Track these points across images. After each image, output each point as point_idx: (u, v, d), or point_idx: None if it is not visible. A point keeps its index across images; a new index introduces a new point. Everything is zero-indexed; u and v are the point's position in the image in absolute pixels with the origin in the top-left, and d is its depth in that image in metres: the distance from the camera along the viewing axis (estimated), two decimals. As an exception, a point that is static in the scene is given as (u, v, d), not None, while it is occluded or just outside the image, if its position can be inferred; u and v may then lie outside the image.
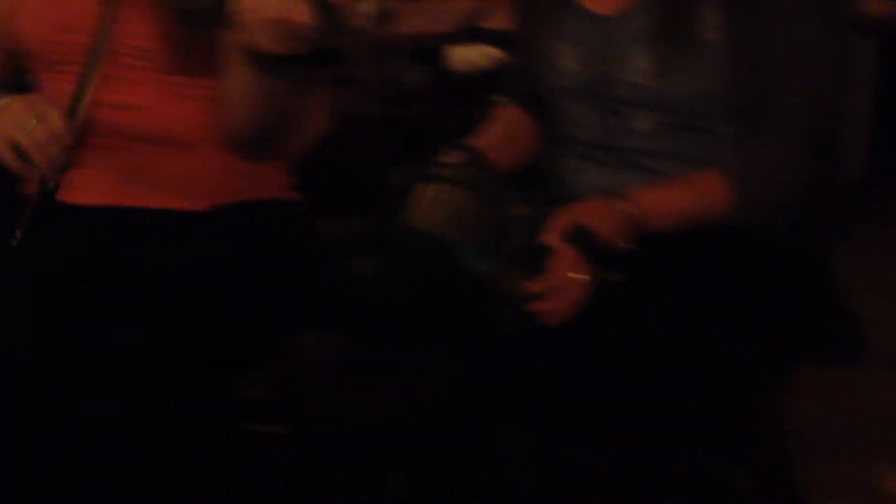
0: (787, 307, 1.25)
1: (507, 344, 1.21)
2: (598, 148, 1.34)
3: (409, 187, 1.30)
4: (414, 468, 1.29)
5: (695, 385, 1.17)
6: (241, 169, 1.38)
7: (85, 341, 1.21)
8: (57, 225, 1.34)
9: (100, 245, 1.33)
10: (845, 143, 1.35)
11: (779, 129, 1.23)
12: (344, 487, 1.56)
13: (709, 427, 1.21)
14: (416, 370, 1.30)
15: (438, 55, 2.05)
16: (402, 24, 2.01)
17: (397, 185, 1.32)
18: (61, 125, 1.26)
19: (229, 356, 1.31)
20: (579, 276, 1.18)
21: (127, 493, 1.16)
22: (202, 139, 1.36)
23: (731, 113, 1.25)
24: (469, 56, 2.04)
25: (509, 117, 1.47)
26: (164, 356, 1.20)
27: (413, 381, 1.32)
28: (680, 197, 1.25)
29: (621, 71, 1.28)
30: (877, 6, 2.19)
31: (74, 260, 1.31)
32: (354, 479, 1.55)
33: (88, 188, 1.36)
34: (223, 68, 1.29)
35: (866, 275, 1.67)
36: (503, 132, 1.44)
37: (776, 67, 1.22)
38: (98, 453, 1.14)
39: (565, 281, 1.18)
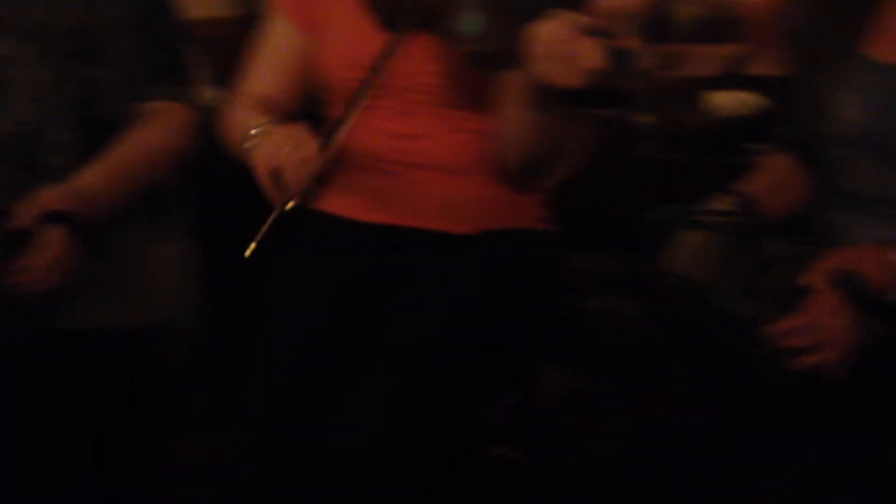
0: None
1: (767, 392, 1.19)
2: (875, 201, 1.29)
3: (670, 230, 1.30)
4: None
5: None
6: (505, 197, 1.45)
7: (353, 350, 1.31)
8: (333, 237, 1.45)
9: (369, 257, 1.43)
10: None
11: None
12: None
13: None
14: (666, 412, 1.29)
15: (699, 100, 2.03)
16: (674, 67, 2.01)
17: (658, 227, 1.32)
18: (313, 151, 1.33)
19: (486, 378, 1.35)
20: (839, 320, 1.13)
21: None
22: (471, 168, 1.44)
23: None
24: (729, 102, 2.02)
25: (780, 165, 1.43)
26: (433, 371, 1.28)
27: (658, 424, 1.32)
28: None
29: None
30: None
31: (346, 269, 1.42)
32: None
33: (363, 206, 1.46)
34: (500, 103, 1.36)
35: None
36: (773, 180, 1.41)
37: None
38: (367, 461, 1.23)
39: (822, 324, 1.13)
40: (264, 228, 1.32)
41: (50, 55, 1.38)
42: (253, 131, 1.36)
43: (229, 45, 1.81)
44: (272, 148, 1.33)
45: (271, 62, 1.49)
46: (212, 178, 1.65)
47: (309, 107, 1.53)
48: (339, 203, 1.48)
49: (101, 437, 1.37)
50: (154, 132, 1.47)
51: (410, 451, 1.25)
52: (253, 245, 1.32)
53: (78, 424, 1.35)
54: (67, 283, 1.32)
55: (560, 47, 1.12)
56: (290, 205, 1.32)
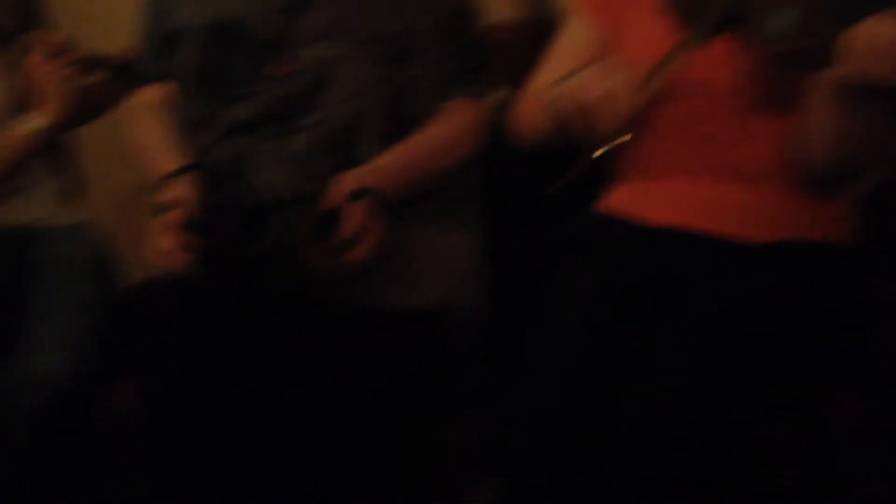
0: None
1: None
2: None
3: None
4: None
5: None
6: (805, 207, 1.38)
7: (632, 353, 1.30)
8: (621, 237, 1.44)
9: (656, 260, 1.41)
10: None
11: None
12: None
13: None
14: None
15: None
16: None
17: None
18: (631, 88, 1.27)
19: (768, 395, 1.30)
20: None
21: None
22: (770, 174, 1.38)
23: None
24: None
25: None
26: (711, 383, 1.24)
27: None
28: None
29: None
30: None
31: (632, 270, 1.40)
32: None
33: (652, 208, 1.44)
34: (806, 105, 1.30)
35: None
36: None
37: None
38: (642, 472, 1.22)
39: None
40: (573, 170, 1.29)
41: (370, 58, 1.50)
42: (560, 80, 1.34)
43: (519, 48, 1.88)
44: (585, 82, 1.29)
45: (566, 60, 1.50)
46: (499, 173, 1.71)
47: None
48: (628, 204, 1.47)
49: (388, 411, 1.43)
50: (450, 127, 1.56)
51: (683, 465, 1.22)
52: (560, 183, 1.29)
53: (370, 398, 1.42)
54: (376, 259, 1.41)
55: (883, 40, 1.06)
56: (600, 150, 1.28)
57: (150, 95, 1.63)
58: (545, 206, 1.71)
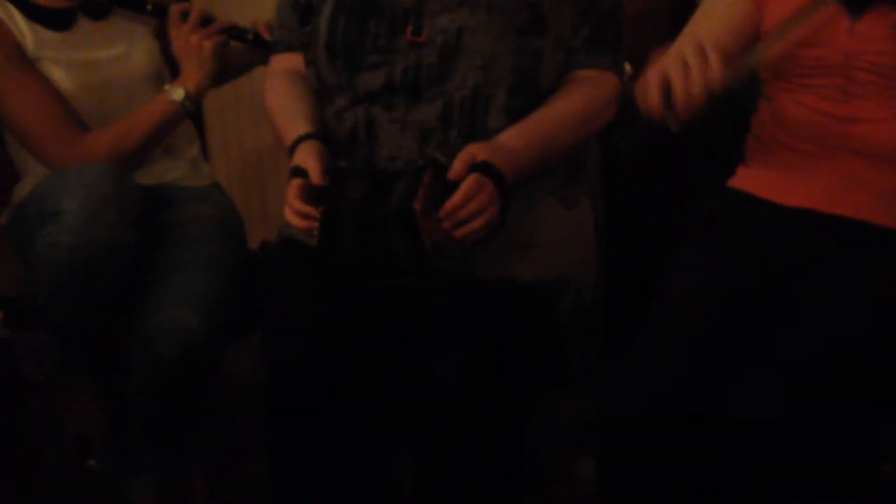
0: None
1: None
2: None
3: None
4: None
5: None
6: None
7: (754, 332, 1.29)
8: (748, 215, 1.43)
9: (784, 241, 1.39)
10: None
11: None
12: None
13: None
14: None
15: None
16: None
17: None
18: (715, 68, 1.24)
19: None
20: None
21: None
22: None
23: None
24: None
25: None
26: (836, 370, 1.23)
27: None
28: None
29: None
30: None
31: (757, 250, 1.39)
32: None
33: (784, 188, 1.43)
34: None
35: None
36: None
37: None
38: (757, 455, 1.21)
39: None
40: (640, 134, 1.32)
41: (499, 28, 1.48)
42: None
43: (647, 19, 1.84)
44: (671, 57, 1.27)
45: (709, 27, 1.47)
46: (617, 146, 1.69)
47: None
48: (758, 182, 1.46)
49: (497, 381, 1.42)
50: (578, 100, 1.52)
51: (802, 448, 1.20)
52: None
53: (480, 368, 1.41)
54: (494, 234, 1.41)
55: None
56: (675, 124, 1.25)
57: (287, 63, 1.66)
58: (667, 184, 1.72)
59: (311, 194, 1.45)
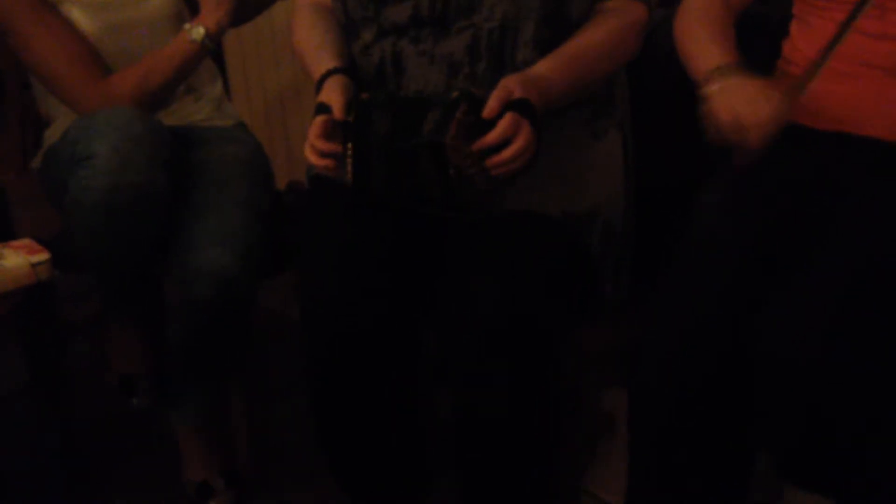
0: None
1: None
2: None
3: None
4: None
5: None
6: None
7: (790, 255, 1.29)
8: (791, 148, 1.40)
9: (816, 166, 1.39)
10: None
11: None
12: None
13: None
14: None
15: None
16: None
17: None
18: (782, 110, 1.30)
19: None
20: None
21: None
22: None
23: None
24: None
25: None
26: (870, 293, 1.22)
27: None
28: None
29: None
30: None
31: (790, 176, 1.39)
32: None
33: (823, 113, 1.42)
34: None
35: None
36: None
37: None
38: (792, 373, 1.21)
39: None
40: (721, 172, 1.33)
41: None
42: (710, 75, 1.36)
43: None
44: (737, 98, 1.32)
45: None
46: (648, 78, 1.67)
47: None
48: (794, 107, 1.42)
49: (530, 312, 1.43)
50: (608, 30, 1.51)
51: (837, 376, 1.20)
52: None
53: (512, 299, 1.41)
54: (529, 168, 1.40)
55: None
56: (747, 162, 1.32)
57: None
58: (696, 113, 1.70)
59: (336, 129, 1.45)
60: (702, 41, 1.44)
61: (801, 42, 1.48)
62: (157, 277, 1.72)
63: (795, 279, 1.28)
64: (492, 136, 1.35)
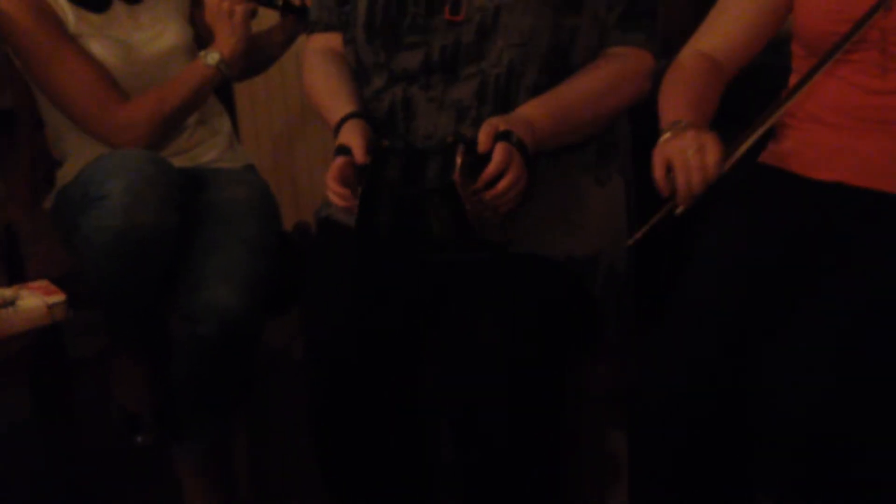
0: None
1: None
2: None
3: None
4: None
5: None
6: None
7: (787, 302, 1.30)
8: (789, 195, 1.44)
9: (816, 216, 1.40)
10: None
11: None
12: None
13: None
14: None
15: None
16: None
17: None
18: (713, 164, 1.33)
19: None
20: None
21: None
22: None
23: None
24: None
25: None
26: (871, 343, 1.23)
27: None
28: None
29: None
30: None
31: (790, 224, 1.40)
32: None
33: (823, 164, 1.44)
34: None
35: None
36: None
37: None
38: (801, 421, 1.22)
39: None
40: (649, 224, 1.37)
41: (541, 5, 1.49)
42: (668, 127, 1.39)
43: None
44: (676, 145, 1.35)
45: (736, 14, 1.50)
46: (647, 123, 1.71)
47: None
48: (789, 157, 1.47)
49: (532, 354, 1.44)
50: (602, 75, 1.53)
51: (835, 428, 1.21)
52: (637, 236, 1.37)
53: (516, 340, 1.43)
54: (521, 205, 1.44)
55: None
56: (678, 209, 1.35)
57: (325, 43, 1.68)
58: None
59: (354, 172, 1.48)
60: (673, 97, 1.47)
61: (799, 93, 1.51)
62: (164, 314, 1.75)
63: (796, 321, 1.30)
64: (491, 167, 1.39)
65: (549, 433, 1.50)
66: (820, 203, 1.43)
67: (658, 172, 1.36)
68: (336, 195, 1.47)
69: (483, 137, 1.42)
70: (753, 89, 1.57)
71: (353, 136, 1.49)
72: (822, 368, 1.24)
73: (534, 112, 1.48)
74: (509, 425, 1.43)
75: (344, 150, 1.48)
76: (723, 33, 1.52)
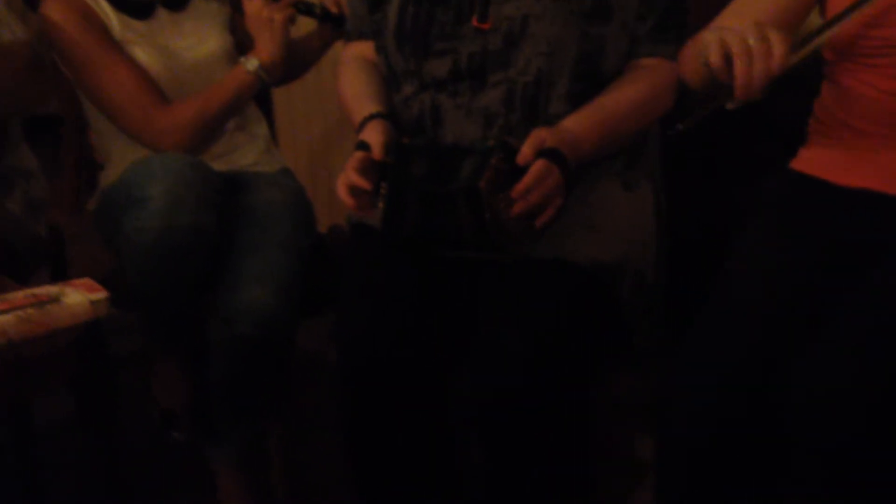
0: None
1: None
2: None
3: None
4: None
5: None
6: None
7: (817, 312, 1.31)
8: (820, 202, 1.44)
9: (845, 223, 1.40)
10: None
11: None
12: None
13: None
14: None
15: None
16: None
17: None
18: (779, 55, 1.22)
19: None
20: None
21: None
22: None
23: None
24: None
25: None
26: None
27: None
28: None
29: None
30: None
31: (817, 232, 1.40)
32: None
33: (854, 171, 1.44)
34: None
35: None
36: None
37: None
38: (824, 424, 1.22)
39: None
40: (697, 115, 1.26)
41: (564, 15, 1.50)
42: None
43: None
44: (735, 30, 1.23)
45: (756, 3, 1.47)
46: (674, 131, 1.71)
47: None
48: (820, 163, 1.47)
49: (559, 361, 1.45)
50: (641, 87, 1.55)
51: (865, 441, 1.21)
52: (681, 127, 1.27)
53: (543, 346, 1.44)
54: (557, 217, 1.45)
55: None
56: (731, 104, 1.24)
57: (358, 50, 1.73)
58: (728, 167, 1.71)
59: (372, 169, 1.50)
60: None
61: (830, 101, 1.50)
62: (202, 315, 1.78)
63: (826, 332, 1.30)
64: (525, 181, 1.40)
65: (575, 438, 1.51)
66: (849, 210, 1.42)
67: (714, 56, 1.23)
68: (350, 189, 1.48)
69: (527, 149, 1.43)
70: (787, 97, 1.56)
71: (373, 134, 1.52)
72: (852, 379, 1.23)
73: (579, 126, 1.50)
74: (536, 430, 1.44)
75: (364, 146, 1.51)
76: (748, 15, 1.43)
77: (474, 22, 1.53)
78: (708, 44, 1.25)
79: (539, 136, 1.44)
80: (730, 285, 1.41)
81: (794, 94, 1.59)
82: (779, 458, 1.29)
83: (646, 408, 1.71)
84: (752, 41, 1.21)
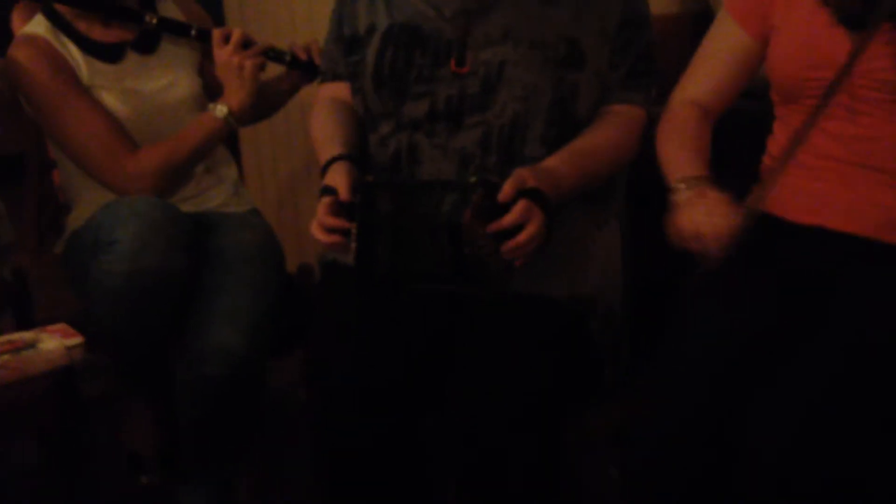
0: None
1: None
2: None
3: None
4: None
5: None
6: None
7: (776, 349, 1.33)
8: (768, 237, 1.46)
9: (802, 261, 1.43)
10: None
11: None
12: None
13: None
14: None
15: None
16: None
17: None
18: (734, 224, 1.37)
19: None
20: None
21: None
22: None
23: None
24: None
25: None
26: (856, 389, 1.26)
27: None
28: None
29: None
30: None
31: (777, 271, 1.43)
32: None
33: (801, 207, 1.47)
34: None
35: None
36: None
37: None
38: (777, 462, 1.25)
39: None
40: (697, 278, 1.39)
41: (539, 62, 1.54)
42: (681, 185, 1.44)
43: (677, 41, 1.89)
44: (698, 211, 1.39)
45: (713, 66, 1.55)
46: (642, 170, 1.75)
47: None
48: (773, 201, 1.49)
49: (533, 395, 1.46)
50: (614, 132, 1.59)
51: (820, 466, 1.24)
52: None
53: (517, 380, 1.45)
54: (538, 253, 1.46)
55: None
56: (711, 267, 1.38)
57: (332, 92, 1.74)
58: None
59: (341, 211, 1.50)
60: (676, 149, 1.52)
61: (783, 139, 1.53)
62: (171, 357, 1.77)
63: (781, 372, 1.32)
64: (507, 220, 1.41)
65: (548, 472, 1.51)
66: (802, 247, 1.45)
67: (689, 237, 1.39)
68: (325, 229, 1.49)
69: (508, 188, 1.44)
70: (741, 136, 1.62)
71: (337, 176, 1.53)
72: (803, 423, 1.26)
73: (560, 166, 1.52)
74: (511, 469, 1.45)
75: (330, 190, 1.52)
76: (704, 81, 1.56)
77: (452, 66, 1.56)
78: (678, 218, 1.42)
79: (520, 175, 1.46)
80: (680, 339, 1.43)
81: (748, 133, 1.65)
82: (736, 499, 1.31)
83: (614, 438, 1.73)
84: (717, 220, 1.37)
